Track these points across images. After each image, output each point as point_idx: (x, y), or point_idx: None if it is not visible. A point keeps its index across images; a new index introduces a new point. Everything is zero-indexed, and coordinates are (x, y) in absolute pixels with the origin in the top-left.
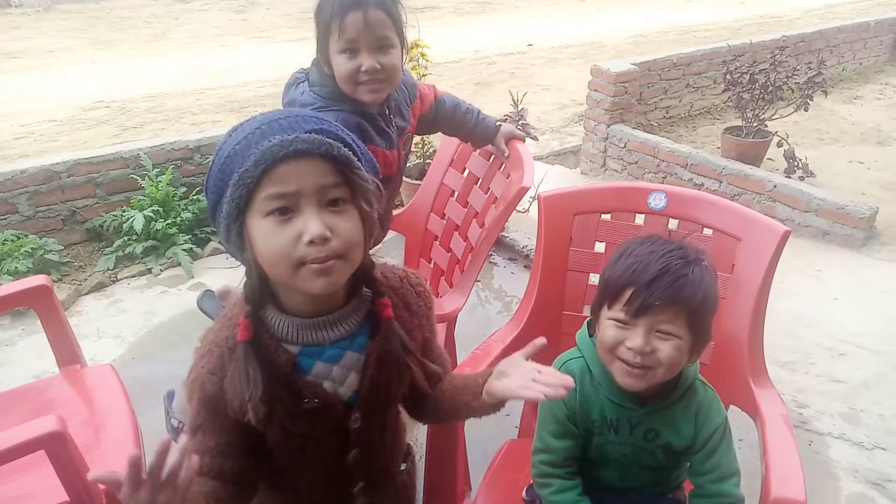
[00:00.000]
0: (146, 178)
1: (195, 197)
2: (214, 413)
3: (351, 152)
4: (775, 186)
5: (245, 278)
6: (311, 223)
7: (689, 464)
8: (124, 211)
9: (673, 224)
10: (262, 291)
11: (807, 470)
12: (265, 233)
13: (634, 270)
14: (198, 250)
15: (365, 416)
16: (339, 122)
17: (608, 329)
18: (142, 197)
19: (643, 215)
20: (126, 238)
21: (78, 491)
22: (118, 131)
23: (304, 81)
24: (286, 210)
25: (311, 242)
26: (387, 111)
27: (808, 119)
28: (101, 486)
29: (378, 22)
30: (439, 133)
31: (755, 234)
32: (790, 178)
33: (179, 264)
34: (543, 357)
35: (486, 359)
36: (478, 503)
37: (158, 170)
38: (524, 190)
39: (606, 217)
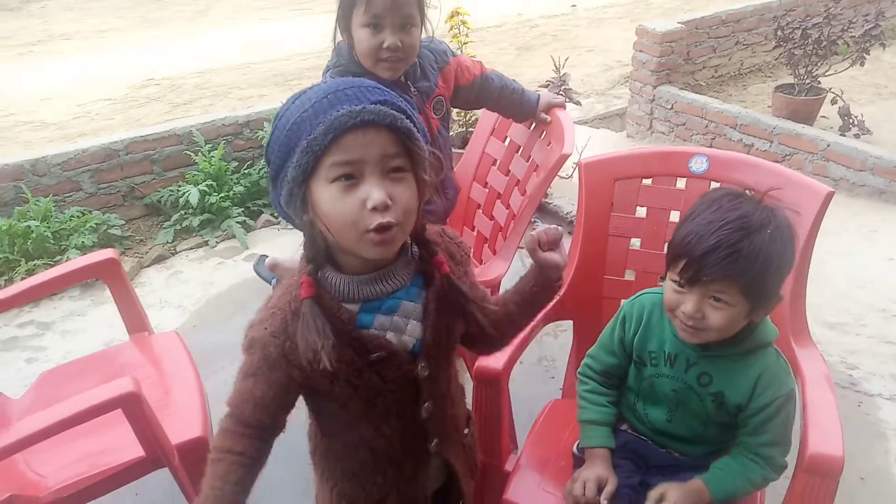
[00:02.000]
0: (199, 153)
1: (246, 171)
2: (272, 369)
3: (412, 123)
4: (829, 145)
5: (305, 241)
6: (374, 191)
7: (738, 428)
8: (180, 186)
9: (716, 187)
10: (323, 253)
11: (856, 430)
12: (331, 198)
13: (689, 242)
14: (251, 222)
15: (431, 363)
16: None
17: (668, 290)
18: (196, 172)
19: (685, 179)
20: (182, 212)
21: (152, 446)
22: (169, 108)
23: (329, 69)
24: (351, 177)
25: (374, 209)
26: (402, 79)
27: (864, 74)
28: (174, 441)
29: (405, 1)
30: None
31: (798, 195)
32: (845, 136)
33: (234, 236)
34: (585, 315)
35: None
36: (523, 459)
37: (210, 145)
38: (565, 157)
39: (647, 182)
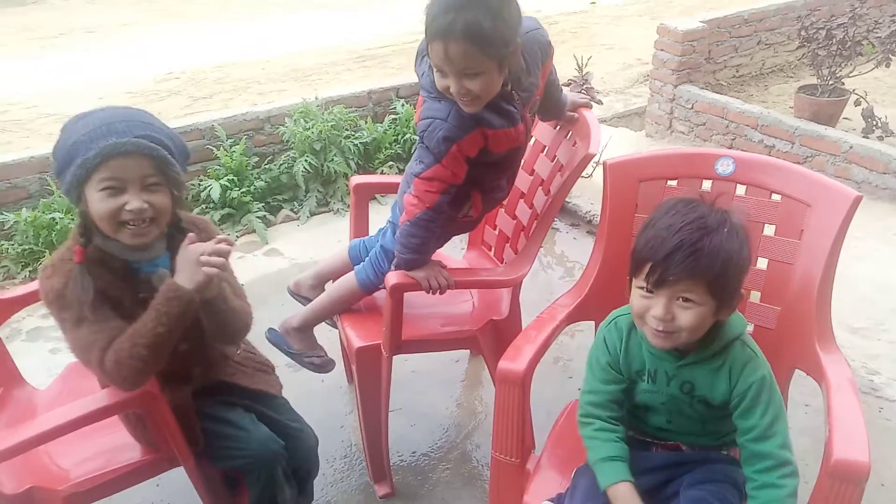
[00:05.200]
0: (221, 148)
1: (267, 166)
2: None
3: (168, 153)
4: (851, 147)
5: (78, 221)
6: (133, 200)
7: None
8: (202, 180)
9: (741, 190)
10: (90, 231)
11: (876, 437)
12: (98, 200)
13: (652, 246)
14: (271, 217)
15: None
16: (451, 116)
17: (635, 297)
18: (217, 167)
19: (710, 181)
20: (204, 206)
21: (169, 445)
22: (189, 102)
23: (426, 55)
24: (115, 188)
25: (131, 212)
26: (509, 86)
27: (889, 75)
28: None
29: (459, 54)
30: None
31: (825, 199)
32: (868, 138)
33: (254, 231)
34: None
35: (550, 323)
36: (544, 459)
37: (232, 140)
38: (590, 157)
39: (673, 183)
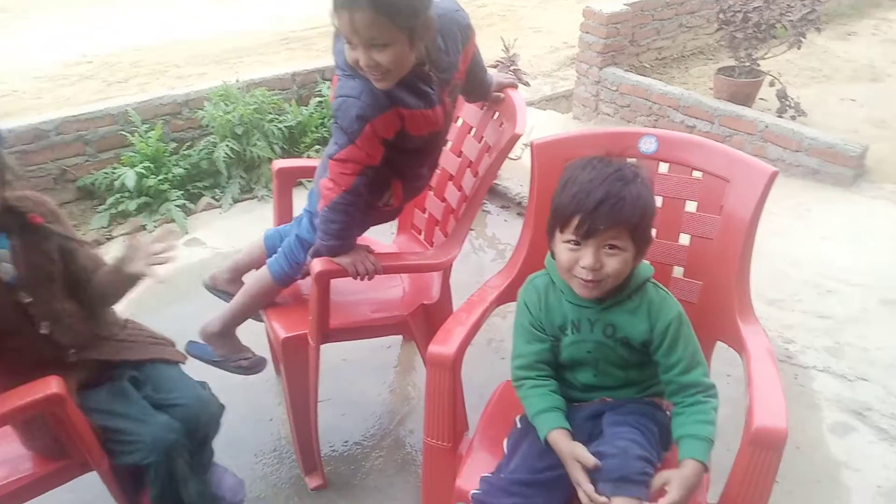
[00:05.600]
0: (135, 134)
1: (186, 152)
2: None
3: None
4: (766, 126)
5: None
6: None
7: (658, 365)
8: (115, 168)
9: (664, 168)
10: None
11: (791, 402)
12: None
13: (579, 199)
14: (191, 206)
15: (34, 292)
16: (364, 92)
17: (563, 252)
18: (132, 154)
19: (634, 159)
20: (118, 195)
21: (79, 450)
22: (102, 87)
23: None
24: None
25: None
26: (426, 67)
27: (801, 57)
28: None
29: (366, 23)
30: None
31: (743, 175)
32: (782, 117)
33: (173, 220)
34: None
35: (481, 305)
36: (476, 440)
37: (147, 125)
38: (516, 137)
39: None
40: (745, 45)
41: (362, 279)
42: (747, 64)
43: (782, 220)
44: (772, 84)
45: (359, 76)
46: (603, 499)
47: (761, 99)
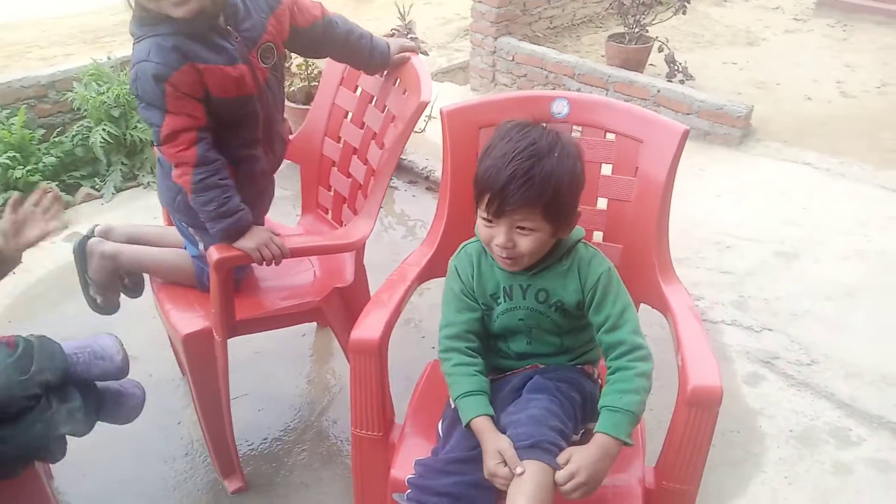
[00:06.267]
0: None
1: (57, 139)
2: None
3: None
4: (659, 91)
5: None
6: None
7: (591, 325)
8: None
9: (577, 132)
10: None
11: None
12: None
13: (490, 176)
14: (68, 197)
15: None
16: (152, 50)
17: (480, 227)
18: None
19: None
20: None
21: None
22: None
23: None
24: None
25: None
26: (222, 21)
27: (685, 23)
28: None
29: None
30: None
31: (656, 135)
32: (671, 81)
33: None
34: None
35: (402, 284)
36: (408, 426)
37: (9, 111)
38: (424, 105)
39: None
40: (633, 11)
41: (268, 264)
42: (636, 30)
43: (681, 182)
44: (660, 50)
45: (147, 37)
46: (519, 469)
47: (651, 65)
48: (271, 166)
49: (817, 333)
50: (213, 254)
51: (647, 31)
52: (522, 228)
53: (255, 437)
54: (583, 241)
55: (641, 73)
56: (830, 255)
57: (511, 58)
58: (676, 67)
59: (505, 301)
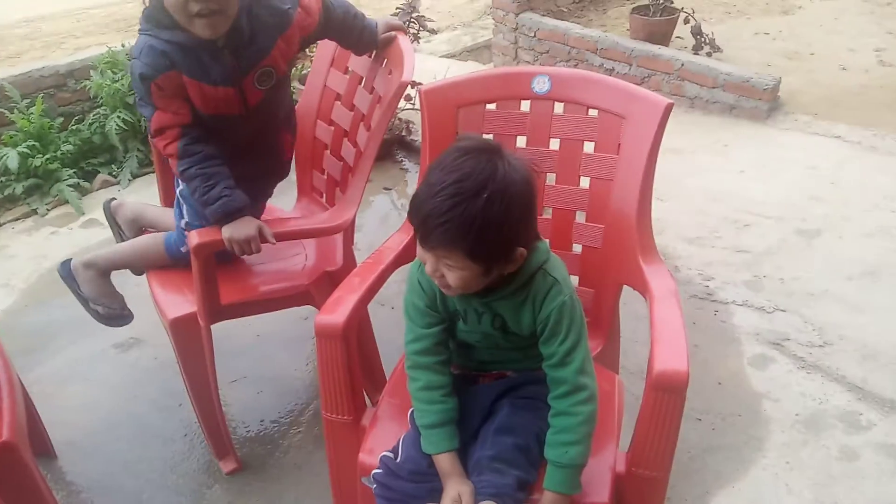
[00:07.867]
0: (15, 110)
1: (75, 127)
2: None
3: None
4: (683, 65)
5: None
6: None
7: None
8: None
9: (559, 108)
10: None
11: (712, 337)
12: None
13: (414, 205)
14: (86, 185)
15: None
16: (144, 49)
17: (418, 248)
18: (13, 132)
19: (528, 101)
20: (2, 179)
21: None
22: None
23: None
24: None
25: None
26: (219, 43)
27: None
28: None
29: None
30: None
31: (638, 110)
32: (698, 54)
33: (67, 201)
34: None
35: (377, 267)
36: (381, 409)
37: (28, 101)
38: (404, 85)
39: (492, 107)
40: None
41: (241, 255)
42: (662, 2)
43: (702, 158)
44: (686, 21)
45: (146, 33)
46: None
47: (678, 37)
48: (263, 171)
49: (833, 314)
50: (193, 238)
51: (673, 2)
52: (448, 264)
53: (252, 419)
54: (543, 268)
55: (667, 45)
56: (855, 232)
57: (533, 34)
58: (703, 39)
59: (462, 323)
